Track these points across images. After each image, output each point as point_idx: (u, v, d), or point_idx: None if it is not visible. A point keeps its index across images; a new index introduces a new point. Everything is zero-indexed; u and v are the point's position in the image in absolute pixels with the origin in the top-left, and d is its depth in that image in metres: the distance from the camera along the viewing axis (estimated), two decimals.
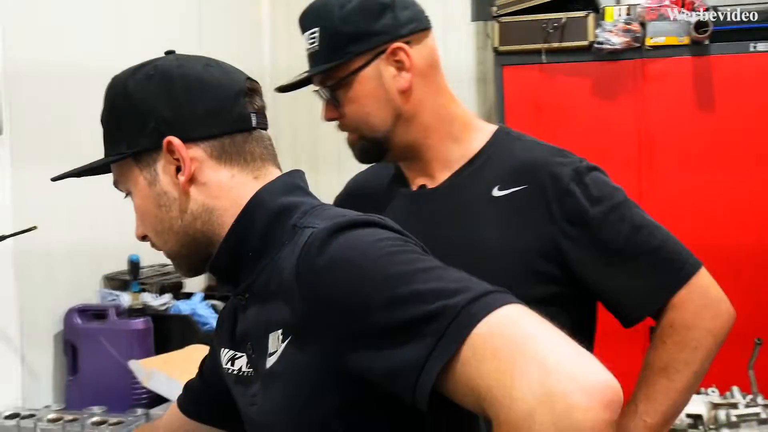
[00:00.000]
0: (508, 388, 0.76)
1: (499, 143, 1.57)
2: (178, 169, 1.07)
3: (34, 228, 2.05)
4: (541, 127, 2.98)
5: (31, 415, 2.14)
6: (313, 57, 1.52)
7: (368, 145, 1.55)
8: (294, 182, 1.12)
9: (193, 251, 1.10)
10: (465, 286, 0.87)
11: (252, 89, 1.13)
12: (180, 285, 2.86)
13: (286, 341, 0.99)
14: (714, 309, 1.44)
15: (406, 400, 0.86)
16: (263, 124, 1.14)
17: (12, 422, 2.08)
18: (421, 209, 1.56)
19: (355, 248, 0.94)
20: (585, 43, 3.08)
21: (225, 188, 1.08)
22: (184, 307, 2.55)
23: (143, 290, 2.50)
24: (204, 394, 1.43)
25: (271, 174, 1.12)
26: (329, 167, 4.15)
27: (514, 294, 0.88)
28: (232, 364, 1.15)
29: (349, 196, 1.74)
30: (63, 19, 2.55)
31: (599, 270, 1.45)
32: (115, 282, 2.71)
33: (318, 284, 0.94)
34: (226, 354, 1.18)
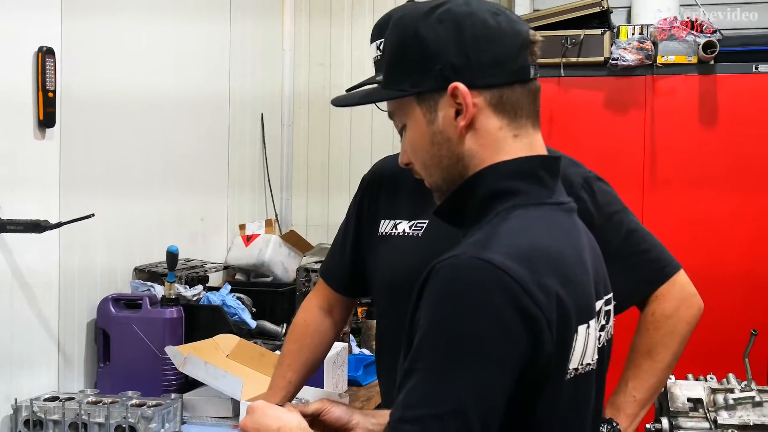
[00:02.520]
0: None
1: None
2: (457, 113, 1.12)
3: (92, 215, 2.14)
4: (553, 137, 3.12)
5: (71, 398, 2.24)
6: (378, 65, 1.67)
7: None
8: (530, 168, 1.14)
9: (451, 187, 1.17)
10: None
11: (534, 41, 1.16)
12: (206, 278, 2.97)
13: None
14: (688, 302, 1.66)
15: None
16: (537, 75, 1.17)
17: (53, 404, 2.17)
18: None
19: (455, 297, 1.02)
20: (601, 59, 3.24)
21: (491, 139, 1.13)
22: (214, 297, 2.66)
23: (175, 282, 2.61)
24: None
25: (528, 136, 1.15)
26: (339, 191, 4.32)
27: None
28: None
29: (378, 174, 1.84)
30: (111, 48, 2.70)
31: None
32: (145, 273, 2.82)
33: (425, 303, 1.05)
34: None
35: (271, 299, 3.08)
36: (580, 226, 1.23)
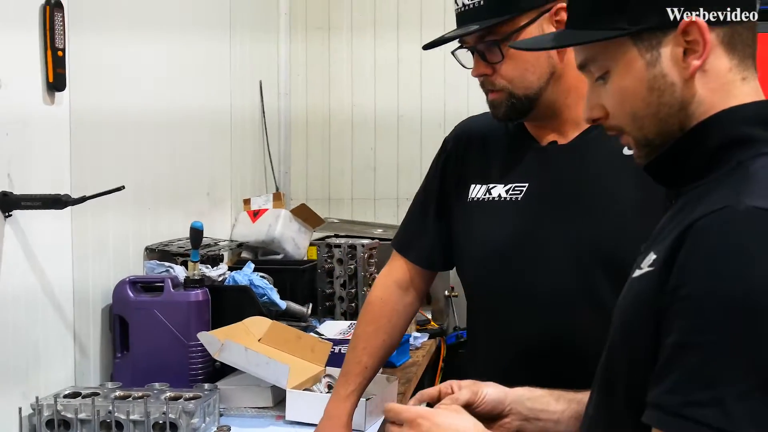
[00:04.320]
0: None
1: None
2: (685, 52, 0.97)
3: (122, 188, 1.90)
4: None
5: (94, 394, 2.00)
6: (471, 14, 1.49)
7: (518, 103, 1.53)
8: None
9: (666, 141, 1.01)
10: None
11: None
12: (221, 257, 2.74)
13: (650, 269, 0.93)
14: None
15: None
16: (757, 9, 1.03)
17: (78, 401, 1.94)
18: (555, 161, 1.56)
19: (741, 254, 0.85)
20: None
21: (720, 81, 0.98)
22: (240, 278, 2.43)
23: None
24: None
25: (754, 79, 1.01)
26: (340, 201, 4.12)
27: None
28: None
29: (464, 136, 1.69)
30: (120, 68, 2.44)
31: None
32: (156, 254, 2.57)
33: (690, 268, 0.87)
34: None
35: (291, 278, 2.85)
36: None
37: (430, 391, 1.22)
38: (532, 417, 1.21)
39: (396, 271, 1.70)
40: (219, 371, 2.30)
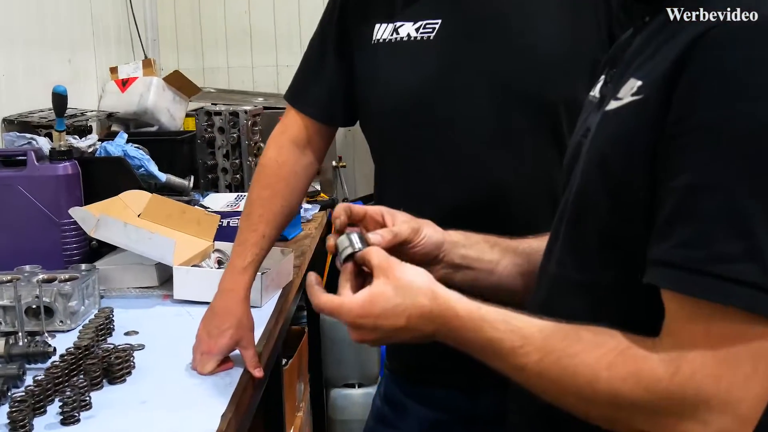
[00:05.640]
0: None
1: None
2: None
3: None
4: None
5: None
6: None
7: None
8: None
9: None
10: None
11: None
12: (89, 128, 2.49)
13: (636, 98, 0.78)
14: None
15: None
16: None
17: None
18: None
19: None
20: None
21: None
22: (112, 148, 2.20)
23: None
24: None
25: None
26: (215, 70, 3.80)
27: None
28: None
29: None
30: None
31: None
32: (15, 126, 2.31)
33: (702, 90, 0.71)
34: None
35: (169, 150, 2.63)
36: None
37: (356, 209, 1.06)
38: (464, 265, 1.07)
39: (291, 127, 1.52)
40: (96, 251, 2.10)
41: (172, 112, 3.07)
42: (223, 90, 3.66)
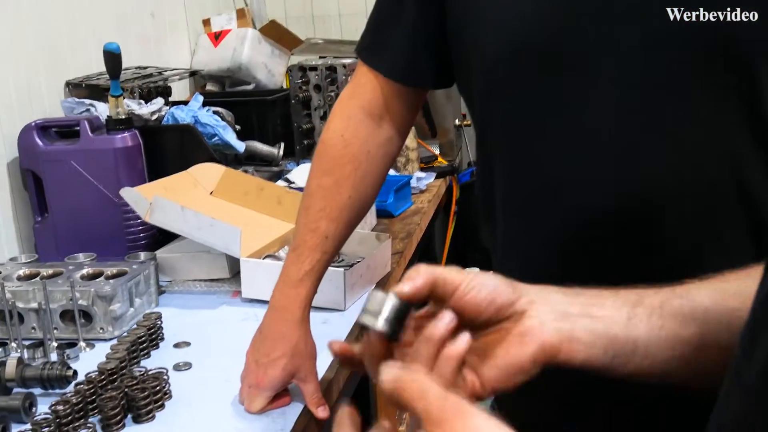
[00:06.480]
0: None
1: None
2: None
3: None
4: None
5: None
6: None
7: None
8: None
9: None
10: None
11: None
12: (168, 90, 2.20)
13: None
14: None
15: None
16: None
17: None
18: None
19: None
20: None
21: None
22: (181, 114, 1.89)
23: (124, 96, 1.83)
24: None
25: None
26: (326, 18, 3.45)
27: None
28: None
29: None
30: None
31: None
32: (84, 90, 2.04)
33: None
34: None
35: (258, 112, 2.30)
36: None
37: (447, 285, 0.65)
38: (575, 314, 0.65)
39: (362, 91, 1.13)
40: (168, 235, 1.81)
41: (270, 68, 2.75)
42: (331, 41, 3.29)
